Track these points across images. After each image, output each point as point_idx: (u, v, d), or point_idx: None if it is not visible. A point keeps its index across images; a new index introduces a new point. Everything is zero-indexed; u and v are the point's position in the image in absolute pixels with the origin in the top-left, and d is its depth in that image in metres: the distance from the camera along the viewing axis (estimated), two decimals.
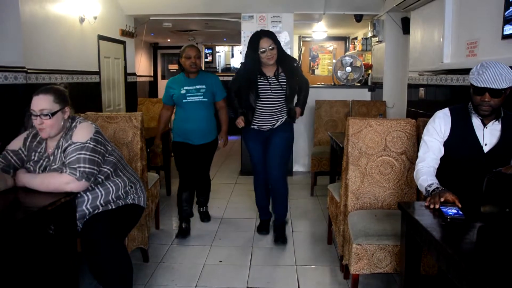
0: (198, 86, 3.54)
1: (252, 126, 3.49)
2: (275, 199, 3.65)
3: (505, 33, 2.81)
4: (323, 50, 10.54)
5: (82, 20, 5.24)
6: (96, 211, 2.30)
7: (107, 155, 2.32)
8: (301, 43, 9.95)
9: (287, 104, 3.44)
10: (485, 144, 2.21)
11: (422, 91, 4.59)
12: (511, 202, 1.55)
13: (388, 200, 2.75)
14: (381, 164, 2.73)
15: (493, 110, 2.15)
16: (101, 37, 5.78)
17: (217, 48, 12.23)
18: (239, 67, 3.42)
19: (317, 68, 10.49)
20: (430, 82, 4.36)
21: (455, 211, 1.79)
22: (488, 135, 2.22)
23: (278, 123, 3.48)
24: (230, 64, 12.29)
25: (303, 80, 3.57)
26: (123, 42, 6.58)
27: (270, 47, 3.25)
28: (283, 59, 3.38)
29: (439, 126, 2.28)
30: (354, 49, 8.52)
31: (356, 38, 9.00)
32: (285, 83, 3.37)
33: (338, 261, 3.09)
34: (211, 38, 11.10)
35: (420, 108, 4.68)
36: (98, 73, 5.74)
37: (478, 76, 2.08)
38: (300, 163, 6.15)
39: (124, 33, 6.47)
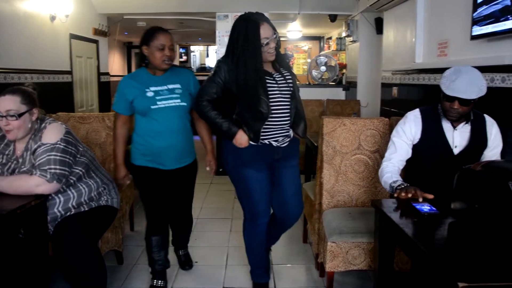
0: (171, 86, 2.48)
1: (258, 142, 2.37)
2: (278, 234, 2.74)
3: (473, 34, 2.88)
4: (298, 50, 10.61)
5: (53, 18, 5.13)
6: (68, 214, 2.25)
7: (78, 156, 2.28)
8: None
9: (291, 111, 2.45)
10: (455, 147, 2.24)
11: (395, 90, 4.66)
12: (480, 198, 1.59)
13: (362, 198, 2.79)
14: (355, 163, 2.76)
15: (460, 117, 2.18)
16: (73, 36, 5.67)
17: (192, 48, 12.18)
18: (215, 67, 2.39)
19: (292, 68, 10.53)
20: (403, 81, 4.43)
21: (429, 207, 1.82)
22: (458, 137, 2.24)
23: (288, 138, 2.48)
24: (205, 64, 12.26)
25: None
26: (96, 41, 6.47)
27: (274, 36, 2.34)
28: (278, 52, 2.47)
29: (409, 129, 2.30)
30: (329, 49, 8.61)
31: (330, 38, 9.09)
32: (291, 82, 2.45)
33: (313, 260, 3.11)
34: (186, 38, 11.04)
35: (393, 107, 4.75)
36: (70, 72, 5.63)
37: (450, 83, 2.08)
38: None
39: (97, 32, 6.36)
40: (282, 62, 2.50)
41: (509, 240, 1.41)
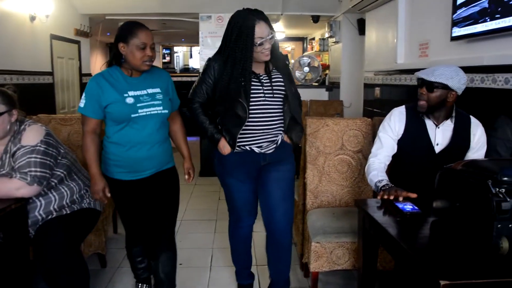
0: (150, 90, 2.19)
1: (237, 148, 2.28)
2: (275, 255, 2.47)
3: (453, 35, 2.92)
4: (282, 51, 10.63)
5: (33, 18, 5.05)
6: (49, 217, 2.22)
7: (59, 158, 2.25)
8: None
9: (285, 116, 2.33)
10: (437, 144, 2.26)
11: (377, 90, 4.70)
12: (461, 197, 1.61)
13: (345, 198, 2.80)
14: (338, 163, 2.78)
15: (429, 109, 2.19)
16: (54, 37, 5.59)
17: (175, 49, 12.10)
18: (205, 65, 2.27)
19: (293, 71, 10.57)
20: (385, 82, 4.48)
21: (411, 207, 1.84)
22: (440, 135, 2.26)
23: (275, 145, 2.33)
24: (188, 65, 12.18)
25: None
26: (77, 42, 6.39)
27: (269, 37, 2.19)
28: (274, 51, 2.31)
29: (394, 123, 2.32)
30: (312, 50, 8.65)
31: (313, 38, 9.14)
32: (282, 85, 2.31)
33: (298, 260, 3.12)
34: (169, 38, 10.97)
35: (376, 107, 4.80)
36: (51, 73, 5.55)
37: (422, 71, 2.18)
38: None
39: (78, 32, 6.29)
40: (277, 63, 2.35)
41: (489, 238, 1.43)
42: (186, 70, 12.08)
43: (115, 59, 2.17)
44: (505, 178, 1.45)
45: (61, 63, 5.88)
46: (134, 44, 2.08)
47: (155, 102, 2.19)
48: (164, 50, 11.95)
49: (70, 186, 2.32)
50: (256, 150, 2.29)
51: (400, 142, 2.32)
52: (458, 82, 2.11)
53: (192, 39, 9.95)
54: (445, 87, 2.12)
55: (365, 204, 1.99)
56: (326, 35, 6.49)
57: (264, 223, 2.41)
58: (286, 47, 10.67)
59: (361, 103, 5.40)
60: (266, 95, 2.26)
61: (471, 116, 2.28)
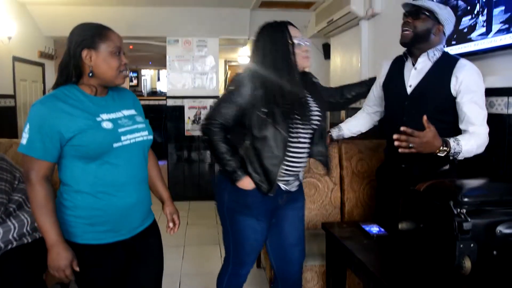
0: (126, 112, 1.68)
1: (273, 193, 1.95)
2: None
3: None
4: None
5: None
6: (9, 247, 2.13)
7: (16, 183, 2.17)
8: (227, 67, 10.08)
9: (315, 141, 2.05)
10: (410, 86, 2.10)
11: (343, 113, 4.79)
12: (425, 218, 1.64)
13: (314, 220, 2.82)
14: (306, 186, 2.79)
15: (413, 39, 2.04)
16: (16, 59, 5.47)
17: (143, 72, 12.05)
18: (236, 81, 1.92)
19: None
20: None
21: (378, 229, 1.87)
22: (415, 76, 2.09)
23: (298, 181, 2.09)
24: (156, 88, 12.13)
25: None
26: (41, 64, 6.27)
27: (305, 41, 1.94)
28: None
29: (381, 72, 2.33)
30: None
31: None
32: (317, 107, 2.04)
33: (267, 284, 3.09)
34: (136, 62, 10.91)
35: None
36: (13, 96, 5.40)
37: None
38: None
39: (42, 55, 6.17)
40: (305, 78, 2.04)
41: (452, 258, 1.46)
42: (153, 93, 12.03)
43: (75, 73, 1.58)
44: (466, 199, 1.49)
45: (24, 86, 5.74)
46: (106, 49, 1.57)
47: (139, 126, 1.68)
48: (131, 73, 11.87)
49: (31, 213, 2.24)
50: (283, 187, 2.00)
51: (383, 88, 2.30)
52: (447, 14, 2.02)
53: (160, 62, 9.92)
54: (432, 15, 1.99)
55: (332, 227, 2.01)
56: None
57: (275, 265, 2.19)
58: None
59: (327, 126, 5.48)
60: (312, 120, 1.99)
61: (461, 59, 2.02)
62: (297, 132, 1.91)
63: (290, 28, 1.91)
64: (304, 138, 1.97)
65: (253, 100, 1.85)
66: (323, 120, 2.05)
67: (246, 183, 1.92)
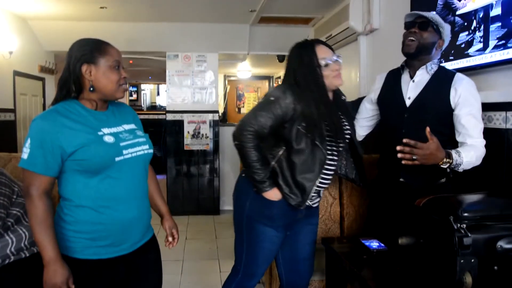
0: (127, 126, 1.70)
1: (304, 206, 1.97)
2: None
3: None
4: (249, 89, 10.80)
5: None
6: (6, 261, 2.11)
7: (14, 197, 2.16)
8: (227, 82, 10.13)
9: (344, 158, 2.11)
10: (409, 98, 2.10)
11: None
12: (425, 233, 1.64)
13: None
14: None
15: (418, 51, 2.05)
16: (17, 73, 5.50)
17: (142, 86, 12.10)
18: (278, 92, 1.91)
19: (243, 107, 10.70)
20: None
21: (377, 244, 1.86)
22: (414, 88, 2.10)
23: (319, 198, 2.11)
24: (156, 102, 12.17)
25: None
26: (42, 79, 6.30)
27: (334, 57, 1.97)
28: None
29: (375, 85, 2.33)
30: None
31: (279, 77, 9.33)
32: (347, 124, 2.06)
33: None
34: (136, 76, 10.97)
35: None
36: (13, 110, 5.42)
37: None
38: (227, 202, 6.11)
39: (43, 69, 6.21)
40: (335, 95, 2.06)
41: (452, 274, 1.45)
42: (153, 107, 12.06)
43: (75, 88, 1.60)
44: (466, 214, 1.49)
45: (24, 100, 5.76)
46: (106, 64, 1.59)
47: (140, 140, 1.69)
48: (131, 87, 11.92)
49: (29, 227, 2.22)
50: (308, 202, 1.99)
51: (378, 101, 2.30)
52: (448, 30, 2.08)
53: (159, 77, 9.99)
54: (438, 29, 2.03)
55: (332, 242, 2.00)
56: None
57: (286, 279, 2.19)
58: (254, 86, 10.84)
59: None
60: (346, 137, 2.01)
61: (457, 73, 2.07)
62: (331, 150, 1.94)
63: (318, 48, 1.94)
64: (336, 155, 1.98)
65: (293, 113, 1.87)
66: (353, 136, 2.06)
67: (273, 194, 1.92)
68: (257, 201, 1.96)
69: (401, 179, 2.10)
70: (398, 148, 1.77)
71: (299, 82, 1.92)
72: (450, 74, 2.05)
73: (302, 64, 1.93)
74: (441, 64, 2.17)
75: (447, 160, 1.84)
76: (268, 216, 1.97)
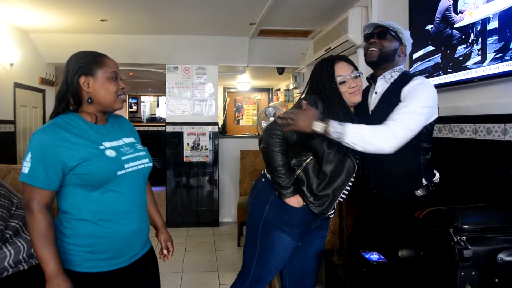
0: (127, 140, 1.71)
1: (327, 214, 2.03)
2: None
3: None
4: (248, 101, 10.83)
5: None
6: (5, 274, 2.10)
7: (13, 209, 2.16)
8: (226, 94, 10.17)
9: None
10: (371, 111, 2.14)
11: None
12: (425, 245, 1.64)
13: None
14: None
15: (380, 59, 2.08)
16: (17, 85, 5.51)
17: (142, 98, 12.13)
18: (310, 101, 1.95)
19: (242, 119, 10.72)
20: None
21: (377, 256, 1.86)
22: (376, 99, 2.13)
23: (334, 209, 2.11)
24: (155, 114, 12.19)
25: None
26: (42, 91, 6.31)
27: (353, 75, 2.00)
28: None
29: None
30: (278, 100, 8.84)
31: (279, 89, 9.36)
32: None
33: None
34: (136, 88, 11.00)
35: None
36: (13, 122, 5.43)
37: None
38: (226, 214, 6.10)
39: (43, 81, 6.23)
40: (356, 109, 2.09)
41: (453, 287, 1.45)
42: (153, 119, 12.07)
43: (74, 101, 1.62)
44: (466, 226, 1.49)
45: (24, 112, 5.77)
46: (103, 75, 1.60)
47: (140, 154, 1.70)
48: (130, 99, 11.95)
49: (28, 239, 2.22)
50: (329, 212, 2.04)
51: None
52: (408, 35, 2.10)
53: (159, 89, 10.02)
54: (397, 36, 2.07)
55: (332, 255, 1.99)
56: (291, 86, 6.67)
57: (287, 286, 2.23)
58: (253, 97, 10.88)
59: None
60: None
61: (418, 76, 2.07)
62: (357, 159, 2.00)
63: (338, 65, 1.99)
64: (358, 165, 2.03)
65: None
66: None
67: (295, 201, 1.94)
68: (278, 207, 1.97)
69: (374, 192, 2.10)
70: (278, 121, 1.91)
71: (323, 96, 1.96)
72: (408, 79, 2.02)
73: (322, 79, 1.98)
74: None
75: (321, 124, 1.82)
76: (287, 221, 1.97)
